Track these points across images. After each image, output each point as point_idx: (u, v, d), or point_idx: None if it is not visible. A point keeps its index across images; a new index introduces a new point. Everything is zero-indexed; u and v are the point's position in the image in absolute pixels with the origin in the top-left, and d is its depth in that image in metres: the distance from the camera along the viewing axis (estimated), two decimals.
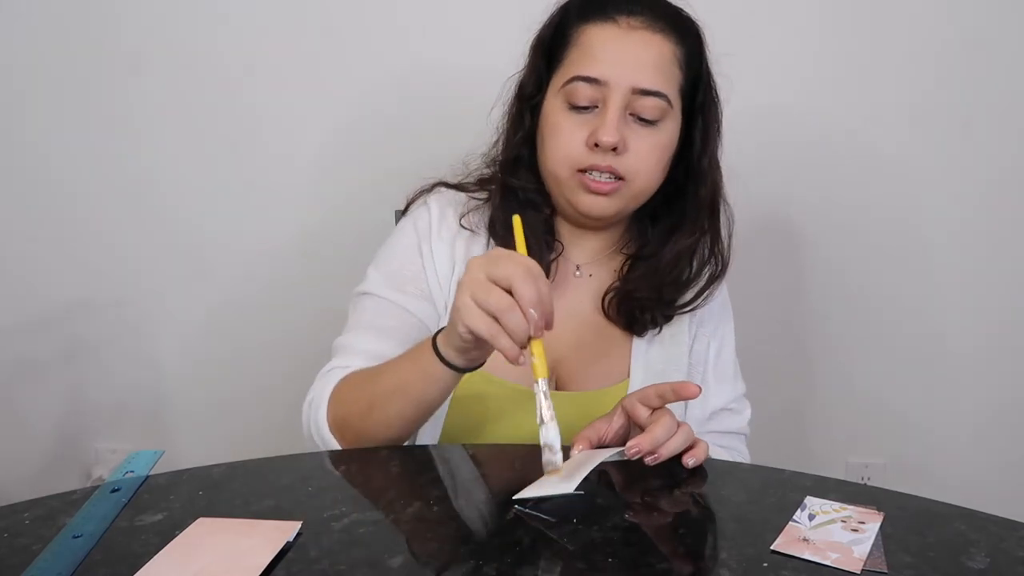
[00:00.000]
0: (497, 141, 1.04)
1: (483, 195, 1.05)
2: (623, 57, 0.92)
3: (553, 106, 0.96)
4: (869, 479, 1.68)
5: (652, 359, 1.01)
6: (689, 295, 1.02)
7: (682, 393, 0.80)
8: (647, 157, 0.94)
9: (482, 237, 1.03)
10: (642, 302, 1.00)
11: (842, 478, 0.78)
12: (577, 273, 1.05)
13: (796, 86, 1.56)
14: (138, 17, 1.60)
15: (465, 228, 1.02)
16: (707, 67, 0.99)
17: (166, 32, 1.61)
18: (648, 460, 0.78)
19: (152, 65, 1.62)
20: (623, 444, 0.79)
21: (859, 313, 1.64)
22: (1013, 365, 1.64)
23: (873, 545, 0.65)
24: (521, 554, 0.63)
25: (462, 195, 1.05)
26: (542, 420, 0.72)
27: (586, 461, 0.77)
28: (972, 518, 0.70)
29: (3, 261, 1.72)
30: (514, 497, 0.70)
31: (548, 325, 0.73)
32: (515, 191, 1.01)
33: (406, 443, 0.93)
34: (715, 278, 1.03)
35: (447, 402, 0.95)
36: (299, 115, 1.63)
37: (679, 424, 0.80)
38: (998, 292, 1.61)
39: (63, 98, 1.64)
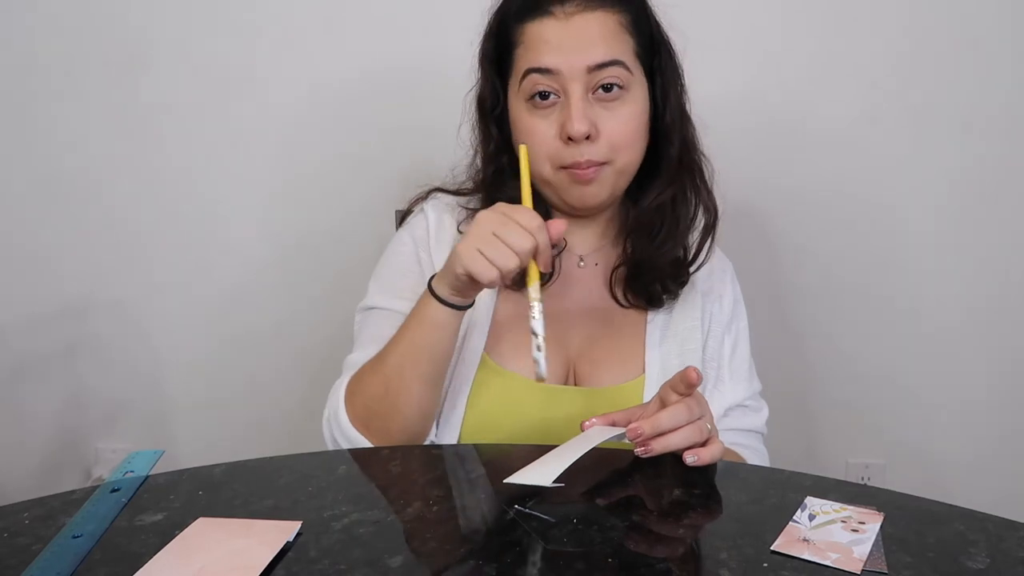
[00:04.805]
0: (475, 156, 1.04)
1: (479, 195, 1.04)
2: (568, 44, 0.92)
3: (517, 110, 0.96)
4: (869, 479, 1.68)
5: (667, 354, 1.01)
6: (690, 251, 1.02)
7: (686, 379, 0.79)
8: (623, 131, 0.94)
9: None
10: (645, 268, 1.00)
11: (842, 478, 0.78)
12: (581, 264, 1.05)
13: (779, 77, 1.54)
14: (139, 17, 1.60)
15: (463, 233, 1.02)
16: (656, 24, 0.98)
17: (166, 32, 1.61)
18: (639, 451, 0.77)
19: (154, 66, 1.62)
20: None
21: (859, 312, 1.64)
22: (1015, 365, 1.64)
23: (873, 545, 0.65)
24: (521, 554, 0.63)
25: (458, 199, 1.05)
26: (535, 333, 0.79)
27: (577, 446, 0.76)
28: (972, 518, 0.70)
29: (3, 260, 1.72)
30: (504, 480, 0.72)
31: (545, 267, 0.83)
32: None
33: (426, 441, 0.93)
34: (710, 228, 1.02)
35: (465, 402, 0.95)
36: (300, 115, 1.63)
37: (698, 418, 0.78)
38: (999, 292, 1.61)
39: (63, 99, 1.64)
